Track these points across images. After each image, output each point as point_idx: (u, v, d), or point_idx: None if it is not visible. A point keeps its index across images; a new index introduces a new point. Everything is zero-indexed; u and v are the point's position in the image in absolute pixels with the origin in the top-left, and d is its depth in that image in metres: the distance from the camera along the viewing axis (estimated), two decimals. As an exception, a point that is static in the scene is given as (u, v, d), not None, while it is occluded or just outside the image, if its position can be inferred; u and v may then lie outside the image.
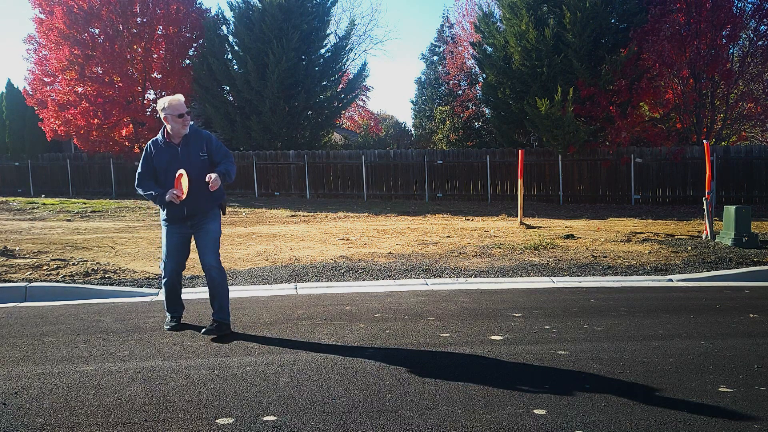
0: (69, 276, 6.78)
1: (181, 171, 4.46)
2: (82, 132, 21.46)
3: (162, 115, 4.49)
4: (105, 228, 11.96)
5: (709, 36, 16.39)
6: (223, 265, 7.57)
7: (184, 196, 4.43)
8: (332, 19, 23.97)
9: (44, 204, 17.21)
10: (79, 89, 21.74)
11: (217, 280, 4.57)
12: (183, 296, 5.99)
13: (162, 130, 4.61)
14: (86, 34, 21.44)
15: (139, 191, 4.69)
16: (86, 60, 21.09)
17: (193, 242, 4.71)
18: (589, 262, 7.67)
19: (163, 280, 4.74)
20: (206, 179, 4.36)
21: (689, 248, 8.57)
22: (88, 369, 3.80)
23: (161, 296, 6.09)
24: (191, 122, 4.66)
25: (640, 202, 17.85)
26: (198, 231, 4.59)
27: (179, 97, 4.54)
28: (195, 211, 4.55)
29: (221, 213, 4.75)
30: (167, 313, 4.83)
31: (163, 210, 4.63)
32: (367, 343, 4.32)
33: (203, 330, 4.51)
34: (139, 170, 4.69)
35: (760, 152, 17.40)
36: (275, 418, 3.05)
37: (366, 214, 15.09)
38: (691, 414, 3.08)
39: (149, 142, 4.69)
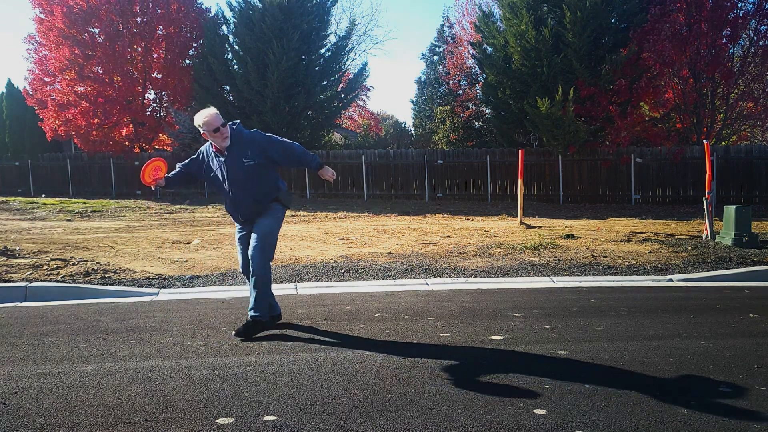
0: (69, 276, 6.78)
1: (156, 159, 4.73)
2: (82, 132, 21.47)
3: (201, 131, 4.46)
4: (105, 228, 11.96)
5: (709, 36, 16.39)
6: (223, 264, 7.64)
7: (145, 179, 4.63)
8: (332, 19, 23.99)
9: (44, 204, 17.22)
10: (79, 89, 21.76)
11: (256, 277, 4.44)
12: (182, 296, 6.05)
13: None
14: (86, 34, 21.46)
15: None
16: (86, 60, 21.11)
17: None
18: (590, 262, 7.67)
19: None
20: (321, 176, 4.57)
21: (689, 248, 8.57)
22: (88, 369, 3.80)
23: (163, 296, 6.10)
24: (235, 123, 4.59)
25: (640, 202, 17.85)
26: (253, 226, 4.60)
27: (211, 113, 4.41)
28: (247, 216, 4.58)
29: (282, 207, 4.65)
30: (262, 313, 4.67)
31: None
32: (367, 343, 4.31)
33: (233, 332, 4.49)
34: (184, 161, 4.84)
35: (760, 152, 17.39)
36: (275, 417, 3.05)
37: (366, 214, 15.09)
38: (691, 414, 3.08)
39: (205, 146, 4.69)
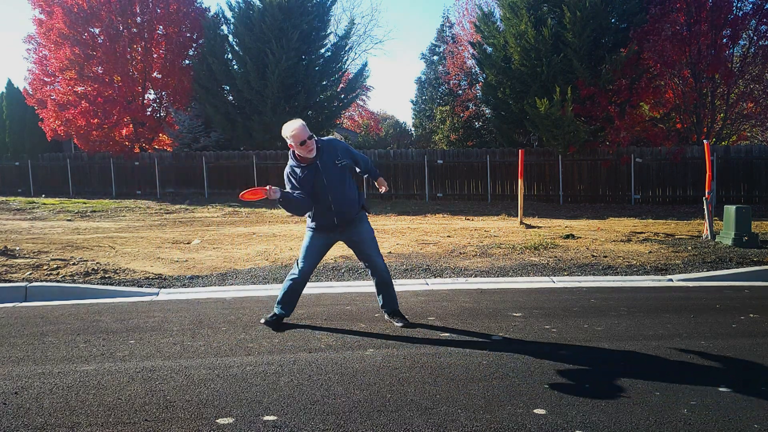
0: (69, 276, 6.78)
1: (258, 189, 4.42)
2: (82, 132, 21.47)
3: (288, 142, 4.49)
4: (105, 228, 11.96)
5: (709, 36, 16.39)
6: (223, 264, 7.65)
7: (258, 193, 4.38)
8: (332, 18, 24.00)
9: (44, 204, 17.22)
10: (79, 89, 21.75)
11: (388, 278, 4.84)
12: (182, 296, 6.05)
13: (291, 152, 4.57)
14: (86, 34, 21.46)
15: (289, 209, 4.57)
16: (86, 59, 21.11)
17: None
18: (590, 261, 7.67)
19: (292, 278, 4.75)
20: (378, 185, 4.92)
21: (689, 248, 8.57)
22: (88, 369, 3.80)
23: (163, 296, 6.09)
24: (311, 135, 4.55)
25: (640, 202, 17.85)
26: (352, 237, 4.71)
27: (298, 126, 4.41)
28: (346, 219, 4.63)
29: (366, 214, 4.85)
30: (277, 308, 4.79)
31: (313, 220, 4.69)
32: (367, 343, 4.32)
33: (402, 324, 4.76)
34: (286, 189, 4.56)
35: (760, 152, 17.40)
36: (275, 417, 3.05)
37: (366, 214, 15.07)
38: (691, 414, 3.08)
39: (288, 168, 4.57)
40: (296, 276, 4.74)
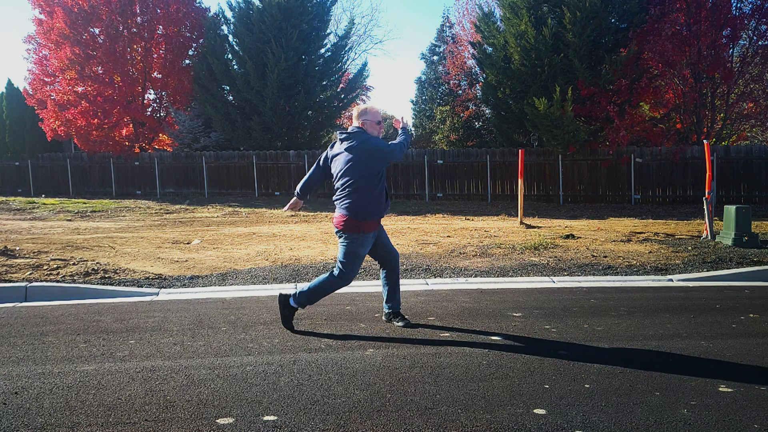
0: (69, 276, 6.78)
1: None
2: (82, 132, 21.47)
3: (360, 120, 4.60)
4: (105, 228, 11.96)
5: (709, 36, 16.39)
6: (223, 264, 7.65)
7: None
8: (332, 18, 23.95)
9: (44, 204, 17.22)
10: (79, 89, 21.75)
11: (399, 275, 4.89)
12: (182, 296, 6.06)
13: (360, 129, 4.61)
14: (86, 34, 21.46)
15: (404, 151, 4.73)
16: (87, 59, 21.11)
17: None
18: (589, 261, 7.67)
19: (332, 281, 4.60)
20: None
21: (689, 248, 8.57)
22: (88, 369, 3.80)
23: (163, 296, 6.09)
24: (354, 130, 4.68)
25: (640, 202, 17.85)
26: (380, 231, 4.77)
27: (377, 105, 4.77)
28: (389, 207, 4.74)
29: None
30: (299, 304, 4.70)
31: (370, 213, 4.51)
32: (367, 343, 4.32)
33: (403, 325, 4.76)
34: (389, 147, 4.62)
35: (760, 152, 17.40)
36: (275, 417, 3.05)
37: (366, 214, 15.05)
38: (691, 414, 3.08)
39: (376, 141, 4.58)
40: (342, 284, 4.62)
